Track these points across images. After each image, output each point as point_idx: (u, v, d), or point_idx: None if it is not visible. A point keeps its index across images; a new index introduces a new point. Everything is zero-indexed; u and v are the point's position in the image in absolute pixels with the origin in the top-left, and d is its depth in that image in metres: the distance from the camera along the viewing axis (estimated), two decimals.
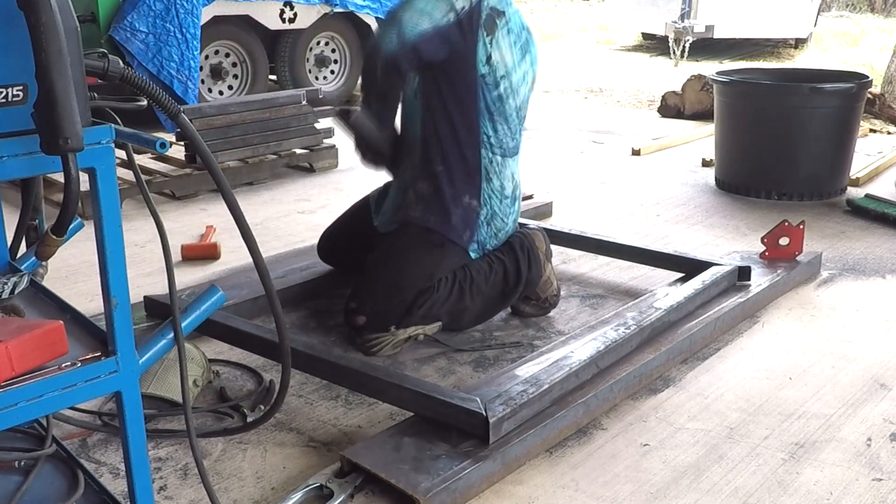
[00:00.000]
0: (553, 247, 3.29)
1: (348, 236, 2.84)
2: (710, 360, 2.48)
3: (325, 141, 4.79)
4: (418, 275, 2.49)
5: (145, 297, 2.66)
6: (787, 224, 3.04)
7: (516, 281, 2.62)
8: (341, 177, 4.62)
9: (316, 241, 2.97)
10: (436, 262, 2.51)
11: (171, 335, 1.43)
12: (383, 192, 2.81)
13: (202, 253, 3.33)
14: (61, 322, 1.29)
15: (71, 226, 1.25)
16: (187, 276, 3.01)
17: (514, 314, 2.77)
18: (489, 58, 2.45)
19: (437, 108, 2.52)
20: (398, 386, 2.07)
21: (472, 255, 2.59)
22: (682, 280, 2.83)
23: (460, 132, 2.52)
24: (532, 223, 3.15)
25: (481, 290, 2.57)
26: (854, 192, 4.19)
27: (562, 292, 2.95)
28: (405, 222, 2.59)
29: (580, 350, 2.24)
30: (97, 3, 5.26)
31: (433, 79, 2.50)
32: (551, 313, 2.79)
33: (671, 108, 6.76)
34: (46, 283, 1.72)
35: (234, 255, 3.28)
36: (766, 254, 3.06)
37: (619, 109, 7.34)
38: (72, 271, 3.12)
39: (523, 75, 2.58)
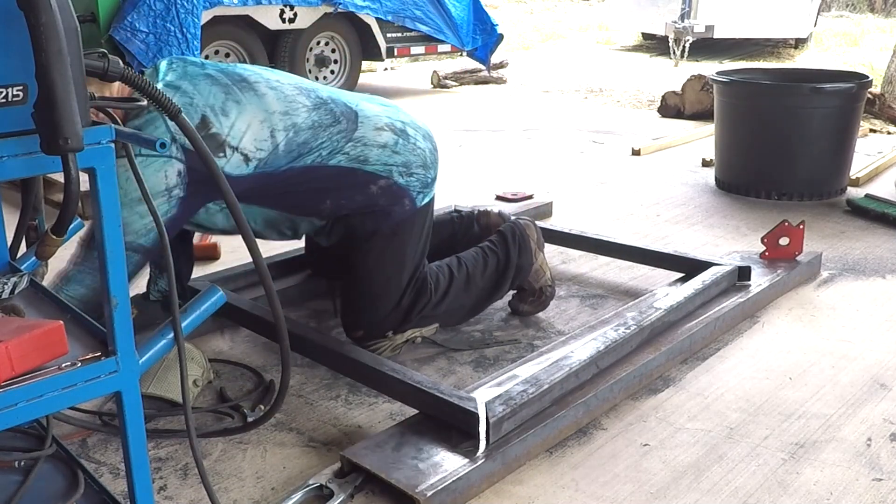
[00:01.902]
0: (553, 247, 3.31)
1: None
2: (710, 360, 2.48)
3: None
4: (392, 272, 2.40)
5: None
6: (787, 224, 3.04)
7: (506, 268, 2.61)
8: None
9: None
10: (399, 248, 2.40)
11: (171, 335, 1.43)
12: None
13: (202, 253, 3.33)
14: (61, 322, 1.29)
15: (71, 226, 1.25)
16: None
17: (513, 314, 2.78)
18: (246, 157, 2.13)
19: (276, 206, 2.33)
20: (401, 381, 2.08)
21: (427, 199, 2.45)
22: (682, 280, 2.83)
23: (310, 188, 2.31)
24: (525, 218, 3.13)
25: (477, 284, 2.56)
26: (854, 192, 4.19)
27: (561, 292, 2.96)
28: (351, 234, 2.43)
29: (580, 350, 2.24)
30: (97, 3, 5.27)
31: (249, 205, 2.26)
32: (551, 313, 2.79)
33: (671, 108, 6.77)
34: (46, 283, 1.72)
35: (234, 255, 3.28)
36: (766, 254, 3.06)
37: (619, 109, 7.34)
38: None
39: (273, 103, 2.19)
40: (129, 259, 2.00)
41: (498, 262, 2.61)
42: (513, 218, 2.81)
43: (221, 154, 2.10)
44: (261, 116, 2.17)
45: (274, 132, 2.18)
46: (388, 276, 2.40)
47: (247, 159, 2.14)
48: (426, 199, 2.47)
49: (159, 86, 2.01)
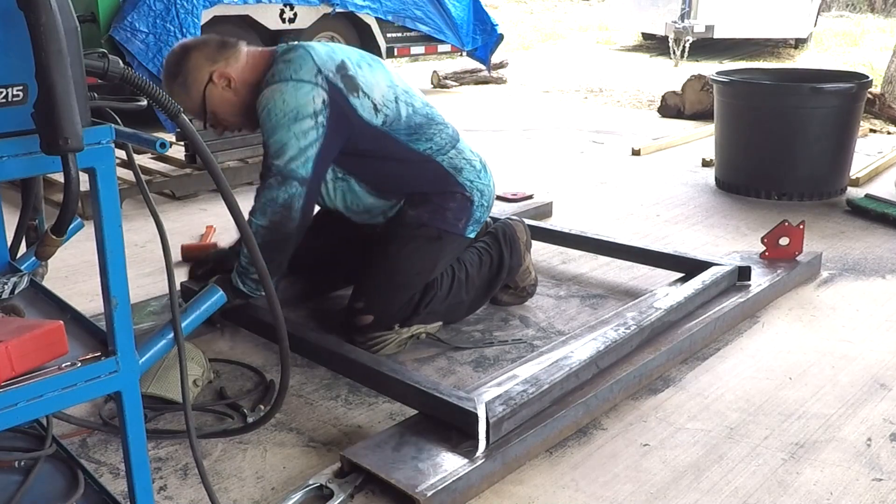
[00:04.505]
0: (553, 247, 3.31)
1: (316, 237, 2.70)
2: (710, 360, 2.48)
3: None
4: (420, 270, 2.49)
5: (182, 283, 2.66)
6: (787, 224, 3.04)
7: (499, 269, 2.67)
8: None
9: None
10: (436, 253, 2.51)
11: (171, 335, 1.43)
12: None
13: (202, 253, 3.32)
14: (61, 322, 1.29)
15: (71, 226, 1.25)
16: (187, 277, 3.01)
17: (492, 303, 2.81)
18: (375, 106, 2.38)
19: (372, 178, 2.49)
20: (401, 381, 2.08)
21: (470, 235, 2.61)
22: (682, 280, 2.83)
23: (410, 173, 2.50)
24: (515, 218, 3.12)
25: (474, 282, 2.62)
26: (854, 192, 4.19)
27: (561, 292, 2.96)
28: (398, 221, 2.55)
29: (580, 350, 2.24)
30: (97, 3, 5.26)
31: (354, 165, 2.46)
32: (551, 313, 2.79)
33: (671, 108, 6.77)
34: (46, 283, 1.72)
35: None
36: (766, 254, 3.06)
37: (619, 109, 7.34)
38: (72, 271, 3.13)
39: (395, 80, 2.51)
40: (287, 189, 2.27)
41: (492, 262, 2.66)
42: (503, 218, 2.84)
43: (356, 94, 2.35)
44: (387, 82, 2.46)
45: (398, 100, 2.45)
46: (418, 271, 2.48)
47: (376, 110, 2.39)
48: (471, 234, 2.61)
49: (304, 43, 2.39)
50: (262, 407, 2.18)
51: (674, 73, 9.41)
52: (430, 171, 2.52)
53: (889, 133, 5.85)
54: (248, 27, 6.11)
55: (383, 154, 2.46)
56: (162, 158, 4.47)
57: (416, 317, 2.48)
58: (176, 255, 3.28)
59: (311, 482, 1.82)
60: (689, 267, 2.91)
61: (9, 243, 1.75)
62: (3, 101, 1.17)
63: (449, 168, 2.53)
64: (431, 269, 2.51)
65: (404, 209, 2.55)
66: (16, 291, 1.52)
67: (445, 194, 2.53)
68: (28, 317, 1.43)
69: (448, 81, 8.77)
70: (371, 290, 2.49)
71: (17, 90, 1.17)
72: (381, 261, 2.51)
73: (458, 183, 2.54)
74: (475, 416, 1.90)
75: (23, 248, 1.78)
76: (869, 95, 5.30)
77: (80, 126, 1.14)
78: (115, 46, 5.29)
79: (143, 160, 4.45)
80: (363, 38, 6.94)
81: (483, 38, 7.70)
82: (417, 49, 7.52)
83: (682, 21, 10.49)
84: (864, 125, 5.60)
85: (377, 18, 6.85)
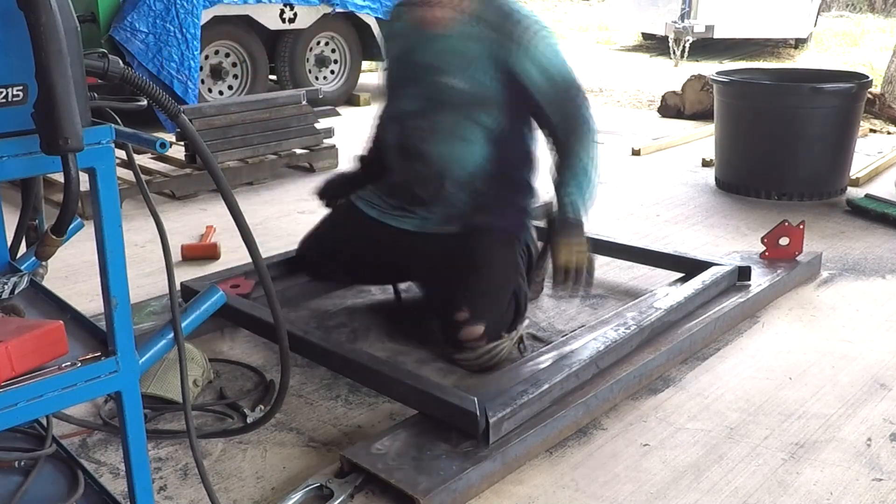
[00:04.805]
0: None
1: (337, 243, 2.71)
2: (710, 360, 2.48)
3: (325, 141, 4.79)
4: (510, 273, 2.45)
5: (182, 283, 2.64)
6: (787, 224, 3.04)
7: (530, 257, 2.64)
8: None
9: None
10: (515, 254, 2.51)
11: (171, 335, 1.43)
12: (387, 193, 2.69)
13: (202, 253, 3.33)
14: (61, 322, 1.29)
15: (71, 226, 1.25)
16: (187, 276, 3.01)
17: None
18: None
19: (518, 128, 2.57)
20: (401, 381, 2.08)
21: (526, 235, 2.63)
22: (682, 280, 2.83)
23: (530, 141, 2.62)
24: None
25: (524, 274, 2.58)
26: (854, 192, 4.18)
27: (561, 292, 2.96)
28: (470, 226, 2.51)
29: (580, 350, 2.24)
30: (97, 3, 5.27)
31: (504, 120, 2.51)
32: (551, 313, 2.79)
33: (671, 108, 6.76)
34: (46, 283, 1.72)
35: (234, 255, 3.28)
36: (766, 254, 3.06)
37: (619, 109, 7.33)
38: (72, 271, 3.12)
39: None
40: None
41: (527, 252, 2.63)
42: None
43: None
44: None
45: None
46: (511, 273, 2.46)
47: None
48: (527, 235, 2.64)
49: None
50: (262, 407, 2.18)
51: (674, 73, 9.41)
52: (523, 173, 2.62)
53: (889, 133, 5.85)
54: (248, 27, 6.11)
55: (518, 132, 2.58)
56: (162, 158, 4.47)
57: (518, 319, 2.43)
58: (176, 255, 3.28)
59: (311, 482, 1.82)
60: (689, 267, 2.91)
61: (9, 243, 1.75)
62: (3, 101, 1.17)
63: (535, 178, 2.64)
64: (517, 270, 2.48)
65: (470, 217, 2.51)
66: (16, 291, 1.53)
67: (513, 202, 2.57)
68: (28, 317, 1.43)
69: None
70: (474, 297, 2.35)
71: (17, 90, 1.17)
72: (474, 268, 2.42)
73: (530, 195, 2.63)
74: (475, 416, 1.90)
75: (23, 248, 1.78)
76: (869, 95, 5.29)
77: (80, 126, 1.14)
78: (115, 46, 5.29)
79: (143, 160, 4.45)
80: (363, 39, 6.95)
81: None
82: None
83: (682, 21, 10.48)
84: (864, 125, 5.60)
85: (377, 18, 6.85)
